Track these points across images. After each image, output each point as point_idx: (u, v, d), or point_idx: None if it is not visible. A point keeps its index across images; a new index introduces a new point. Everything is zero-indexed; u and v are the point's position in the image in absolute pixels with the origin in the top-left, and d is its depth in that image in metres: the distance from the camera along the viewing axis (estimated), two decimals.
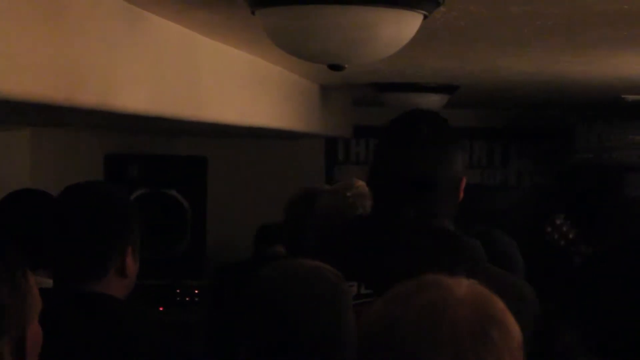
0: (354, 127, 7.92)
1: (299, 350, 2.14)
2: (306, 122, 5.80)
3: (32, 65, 2.43)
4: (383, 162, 2.48)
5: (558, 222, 6.63)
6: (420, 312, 1.45)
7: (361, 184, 3.20)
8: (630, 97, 6.25)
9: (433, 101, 5.70)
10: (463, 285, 1.50)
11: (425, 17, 2.63)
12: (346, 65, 2.63)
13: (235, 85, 4.24)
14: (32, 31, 2.41)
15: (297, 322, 2.16)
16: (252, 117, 4.54)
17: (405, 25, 2.57)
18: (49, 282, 2.59)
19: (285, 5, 2.50)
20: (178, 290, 6.82)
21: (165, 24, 3.31)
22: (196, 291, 6.78)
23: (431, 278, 1.53)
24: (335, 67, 2.63)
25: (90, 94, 2.79)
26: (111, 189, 2.62)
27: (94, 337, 2.41)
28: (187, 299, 6.80)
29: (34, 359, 1.90)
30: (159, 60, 3.27)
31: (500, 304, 1.51)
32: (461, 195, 2.49)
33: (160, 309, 6.78)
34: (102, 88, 2.86)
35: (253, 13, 2.63)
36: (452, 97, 5.82)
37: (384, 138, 2.53)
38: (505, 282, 2.40)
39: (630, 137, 7.44)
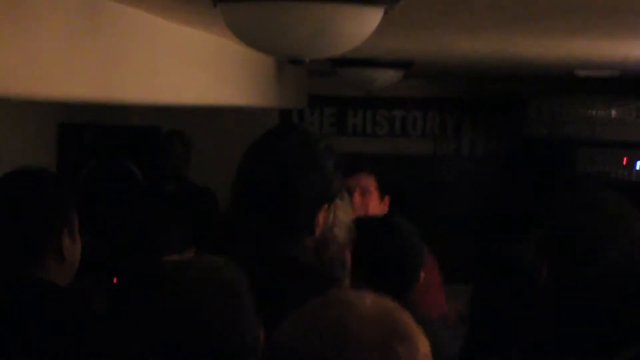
0: (309, 97, 7.93)
1: (197, 351, 2.10)
2: (262, 97, 5.79)
3: None
4: (246, 171, 2.46)
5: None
6: (325, 332, 1.46)
7: None
8: (583, 73, 6.30)
9: (388, 76, 5.72)
10: (367, 301, 1.51)
11: (386, 12, 2.64)
12: (307, 60, 2.63)
13: (191, 65, 4.23)
14: None
15: (195, 322, 2.11)
16: (209, 96, 4.53)
17: (366, 21, 2.59)
18: None
19: (248, 1, 2.50)
20: None
21: (121, 8, 3.30)
22: None
23: (336, 294, 1.55)
24: (296, 62, 2.64)
25: (45, 84, 2.77)
26: (43, 173, 2.67)
27: (29, 325, 2.43)
28: None
29: None
30: (112, 45, 3.26)
31: (404, 316, 1.52)
32: (320, 220, 2.43)
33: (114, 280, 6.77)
34: (58, 78, 2.84)
35: (215, 5, 2.63)
36: (407, 71, 5.85)
37: (252, 149, 2.50)
38: None
39: (582, 112, 7.51)
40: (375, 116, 8.33)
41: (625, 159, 7.42)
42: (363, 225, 2.80)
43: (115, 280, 4.49)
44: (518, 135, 7.85)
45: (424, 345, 1.50)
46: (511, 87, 7.87)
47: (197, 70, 4.33)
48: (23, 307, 2.46)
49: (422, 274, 3.11)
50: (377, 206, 4.32)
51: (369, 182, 4.32)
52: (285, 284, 2.33)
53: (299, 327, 1.50)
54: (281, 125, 2.59)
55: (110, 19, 3.21)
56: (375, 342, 1.46)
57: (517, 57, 5.33)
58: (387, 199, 4.41)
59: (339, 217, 2.49)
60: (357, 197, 4.15)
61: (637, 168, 7.41)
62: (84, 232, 2.66)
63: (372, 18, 2.59)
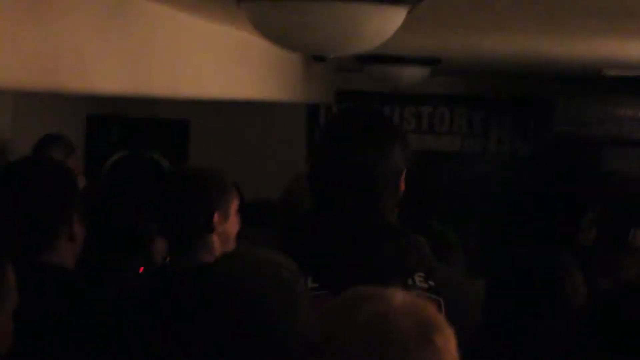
0: (336, 92, 7.95)
1: (247, 352, 2.09)
2: (289, 91, 5.82)
3: (19, 53, 2.45)
4: (321, 159, 2.48)
5: None
6: (365, 326, 1.48)
7: None
8: (611, 72, 6.28)
9: (415, 73, 5.72)
10: (399, 295, 1.54)
11: (409, 10, 2.66)
12: (330, 57, 2.66)
13: (218, 60, 4.26)
14: (17, 21, 2.42)
15: (246, 322, 2.10)
16: (235, 91, 4.56)
17: (389, 20, 2.60)
18: None
19: None
20: None
21: (148, 4, 3.33)
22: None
23: (367, 290, 1.57)
24: (318, 59, 2.66)
25: (74, 77, 2.81)
26: (51, 160, 2.85)
27: (49, 310, 2.49)
28: None
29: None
30: (140, 40, 3.29)
31: (434, 310, 1.55)
32: (402, 187, 2.49)
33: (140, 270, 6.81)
34: (86, 71, 2.88)
35: (239, 3, 2.65)
36: (434, 68, 5.85)
37: (322, 132, 2.54)
38: (455, 280, 2.48)
39: (609, 111, 7.49)
40: (403, 112, 8.34)
41: None
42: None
43: (141, 269, 4.51)
44: (545, 134, 7.84)
45: (453, 337, 1.54)
46: (538, 86, 7.86)
47: (224, 64, 4.36)
48: (44, 294, 2.51)
49: None
50: None
51: None
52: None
53: (336, 323, 1.51)
54: (349, 109, 2.59)
55: (138, 15, 3.24)
56: (413, 334, 1.49)
57: (544, 56, 5.33)
58: None
59: None
60: None
61: None
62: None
63: (395, 17, 2.61)
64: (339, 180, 2.42)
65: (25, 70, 2.51)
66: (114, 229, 4.41)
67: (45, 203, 2.60)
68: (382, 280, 2.20)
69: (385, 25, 2.60)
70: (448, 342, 1.51)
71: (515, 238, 7.82)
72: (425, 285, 2.37)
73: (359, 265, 2.35)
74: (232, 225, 3.08)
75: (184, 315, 2.16)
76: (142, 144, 7.14)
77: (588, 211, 3.36)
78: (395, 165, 2.44)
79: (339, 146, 2.43)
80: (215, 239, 3.00)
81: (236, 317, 2.09)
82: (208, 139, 7.62)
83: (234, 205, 3.09)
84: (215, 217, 2.99)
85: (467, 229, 7.98)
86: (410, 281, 2.37)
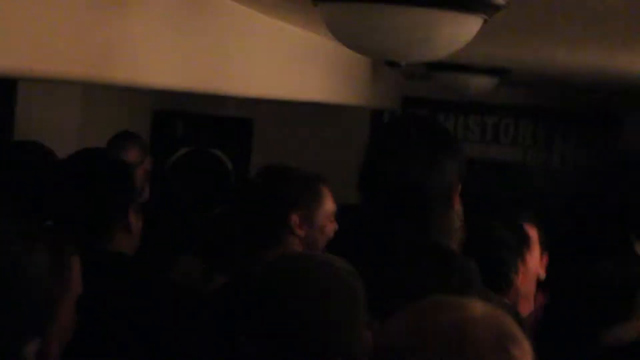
0: (402, 98, 7.92)
1: (305, 351, 2.04)
2: (355, 95, 5.80)
3: (88, 45, 2.47)
4: (371, 168, 2.38)
5: None
6: (444, 333, 1.47)
7: None
8: None
9: (483, 82, 5.69)
10: (478, 305, 1.53)
11: (485, 20, 2.63)
12: (404, 64, 2.64)
13: (287, 60, 4.26)
14: (88, 12, 2.44)
15: (303, 322, 2.04)
16: (301, 91, 4.56)
17: (465, 28, 2.58)
18: None
19: (348, 2, 2.51)
20: None
21: (222, 1, 3.34)
22: None
23: (445, 299, 1.55)
24: (392, 64, 2.64)
25: (143, 72, 2.82)
26: (109, 154, 3.03)
27: (109, 293, 2.56)
28: None
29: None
30: (212, 36, 3.30)
31: (512, 322, 1.54)
32: (455, 204, 2.36)
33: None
34: (156, 66, 2.89)
35: (315, 5, 2.65)
36: (503, 78, 5.81)
37: (374, 142, 2.46)
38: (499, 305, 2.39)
39: None
40: (468, 121, 8.29)
41: None
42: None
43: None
44: (612, 150, 7.74)
45: (529, 349, 1.52)
46: (607, 100, 7.77)
47: (292, 65, 4.36)
48: (104, 278, 2.54)
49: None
50: (536, 263, 3.51)
51: (532, 233, 3.56)
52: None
53: (414, 332, 1.50)
54: (401, 116, 2.53)
55: (211, 11, 3.25)
56: (492, 345, 1.48)
57: (616, 71, 5.26)
58: (545, 257, 3.63)
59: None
60: None
61: None
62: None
63: (471, 25, 2.58)
64: (387, 196, 2.33)
65: (93, 62, 2.53)
66: (174, 224, 4.45)
67: (103, 194, 2.69)
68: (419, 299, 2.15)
69: (460, 34, 2.58)
70: (524, 354, 1.50)
71: (573, 252, 7.72)
72: None
73: (397, 283, 2.24)
74: (319, 232, 2.91)
75: (245, 312, 2.13)
76: (206, 141, 7.18)
77: None
78: (448, 180, 2.33)
79: (388, 159, 2.34)
80: (295, 241, 2.84)
81: (300, 314, 2.05)
82: (271, 138, 7.63)
83: (323, 210, 2.94)
84: (294, 218, 2.86)
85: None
86: None
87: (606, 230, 7.55)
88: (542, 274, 3.50)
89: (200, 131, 7.24)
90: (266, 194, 2.93)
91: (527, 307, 3.37)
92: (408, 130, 2.38)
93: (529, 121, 8.20)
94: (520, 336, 1.52)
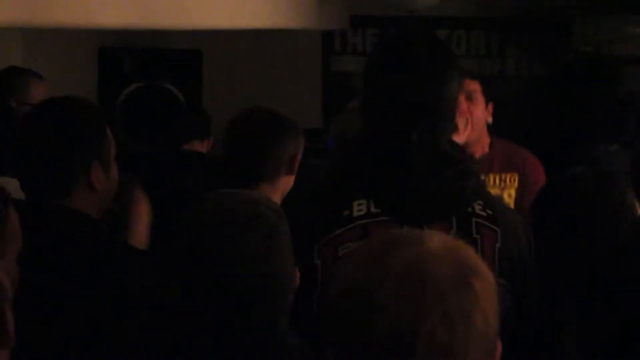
0: (351, 17, 7.83)
1: (227, 294, 2.08)
2: (302, 18, 5.73)
3: None
4: (380, 87, 2.44)
5: None
6: (399, 276, 1.41)
7: None
8: None
9: None
10: (435, 239, 1.47)
11: None
12: None
13: None
14: None
15: (226, 263, 2.08)
16: (245, 20, 4.48)
17: None
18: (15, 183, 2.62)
19: None
20: None
21: None
22: None
23: (400, 234, 1.51)
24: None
25: (83, 11, 2.75)
26: (76, 103, 2.67)
27: (59, 254, 2.46)
28: None
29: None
30: None
31: (473, 254, 1.48)
32: (457, 115, 2.50)
33: None
34: (95, 5, 2.82)
35: None
36: None
37: (378, 61, 2.48)
38: (509, 212, 2.52)
39: (629, 29, 7.36)
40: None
41: None
42: None
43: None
44: (563, 55, 7.72)
45: (493, 280, 1.48)
46: (556, 5, 7.72)
47: None
48: (55, 236, 2.47)
49: None
50: (482, 112, 4.24)
51: (475, 87, 4.20)
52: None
53: (369, 273, 1.44)
54: (406, 35, 2.58)
55: None
56: (452, 279, 1.42)
57: None
58: (491, 105, 4.32)
59: None
60: (463, 103, 3.97)
61: None
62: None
63: None
64: (399, 112, 2.41)
65: (37, 6, 2.46)
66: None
67: (62, 145, 2.52)
68: (444, 207, 2.25)
69: None
70: (488, 287, 1.45)
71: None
72: (484, 214, 2.38)
73: (421, 191, 2.34)
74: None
75: (175, 252, 2.15)
76: (155, 75, 7.09)
77: None
78: (453, 94, 2.43)
79: (399, 77, 2.39)
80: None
81: (212, 251, 2.08)
82: (221, 68, 7.53)
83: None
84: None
85: None
86: (470, 209, 2.37)
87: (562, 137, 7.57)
88: (489, 119, 4.26)
89: (148, 66, 7.14)
90: None
91: (479, 150, 4.17)
92: (414, 49, 2.43)
93: (480, 32, 8.14)
94: (482, 268, 1.47)
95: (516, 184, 4.32)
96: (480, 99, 4.19)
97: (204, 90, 7.26)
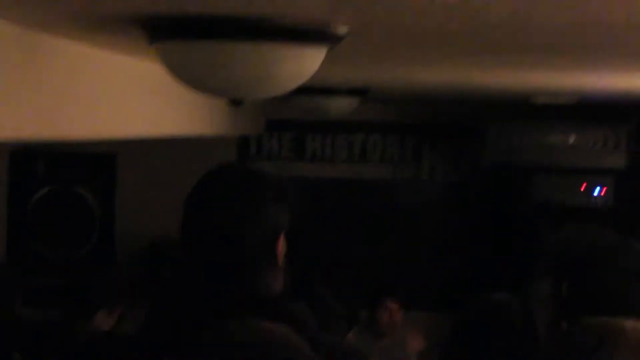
0: (267, 122, 7.84)
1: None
2: (217, 125, 5.71)
3: None
4: (190, 216, 2.40)
5: None
6: None
7: None
8: (541, 100, 6.27)
9: (343, 103, 5.65)
10: None
11: (329, 49, 2.57)
12: (245, 101, 2.55)
13: (138, 95, 4.13)
14: None
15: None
16: (159, 128, 4.44)
17: (307, 61, 2.51)
18: None
19: (186, 40, 2.42)
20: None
21: (58, 42, 3.20)
22: None
23: None
24: (235, 102, 2.56)
25: None
26: None
27: None
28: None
29: None
30: (52, 81, 3.16)
31: None
32: (279, 250, 2.37)
33: None
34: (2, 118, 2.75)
35: (151, 44, 2.54)
36: (364, 97, 5.78)
37: (192, 192, 2.44)
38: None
39: (540, 138, 7.47)
40: (334, 141, 8.26)
41: (584, 184, 7.38)
42: None
43: None
44: (477, 161, 7.80)
45: None
46: (470, 113, 7.83)
47: (146, 101, 4.24)
48: None
49: None
50: None
51: None
52: None
53: None
54: (220, 167, 2.51)
55: (48, 54, 3.11)
56: None
57: (474, 86, 5.28)
58: None
59: None
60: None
61: (595, 194, 7.37)
62: None
63: (314, 58, 2.52)
64: (203, 243, 2.34)
65: None
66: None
67: None
68: None
69: (303, 67, 2.51)
70: None
71: (448, 268, 7.78)
72: None
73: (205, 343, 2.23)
74: None
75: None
76: (68, 180, 6.99)
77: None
78: (270, 226, 2.34)
79: (204, 208, 2.36)
80: None
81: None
82: (136, 173, 7.47)
83: None
84: None
85: (400, 257, 7.92)
86: None
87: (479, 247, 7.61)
88: None
89: (61, 169, 7.05)
90: None
91: None
92: (223, 181, 2.42)
93: (395, 137, 8.20)
94: None
95: None
96: None
97: (117, 195, 7.18)
